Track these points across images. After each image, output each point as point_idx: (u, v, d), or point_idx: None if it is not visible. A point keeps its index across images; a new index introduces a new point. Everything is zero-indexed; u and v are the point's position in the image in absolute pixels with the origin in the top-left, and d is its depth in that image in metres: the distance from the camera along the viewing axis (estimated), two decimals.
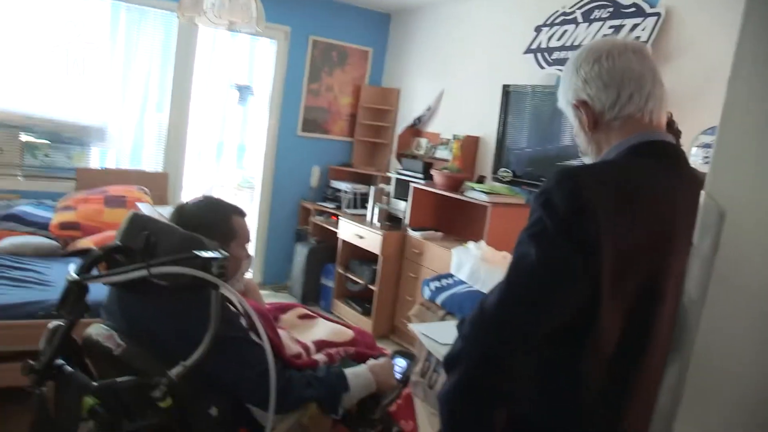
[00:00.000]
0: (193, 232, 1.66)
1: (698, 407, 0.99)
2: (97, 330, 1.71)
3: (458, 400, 1.17)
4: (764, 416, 0.92)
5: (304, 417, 1.71)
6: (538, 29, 4.34)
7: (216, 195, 2.06)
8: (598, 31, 3.90)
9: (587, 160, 1.37)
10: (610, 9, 3.85)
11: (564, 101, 1.37)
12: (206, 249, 1.48)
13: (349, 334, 2.16)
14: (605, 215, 1.12)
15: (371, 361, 1.93)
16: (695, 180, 1.22)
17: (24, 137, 4.71)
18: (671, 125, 2.27)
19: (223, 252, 1.47)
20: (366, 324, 4.92)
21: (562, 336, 1.15)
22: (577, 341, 1.16)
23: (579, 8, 4.06)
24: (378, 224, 4.99)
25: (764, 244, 0.91)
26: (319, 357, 1.94)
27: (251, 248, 5.66)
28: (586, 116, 1.31)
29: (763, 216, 0.91)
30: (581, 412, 1.18)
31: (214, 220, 1.88)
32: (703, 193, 1.00)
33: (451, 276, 4.09)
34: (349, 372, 1.82)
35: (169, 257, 1.45)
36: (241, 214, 1.98)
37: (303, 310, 2.32)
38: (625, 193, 1.17)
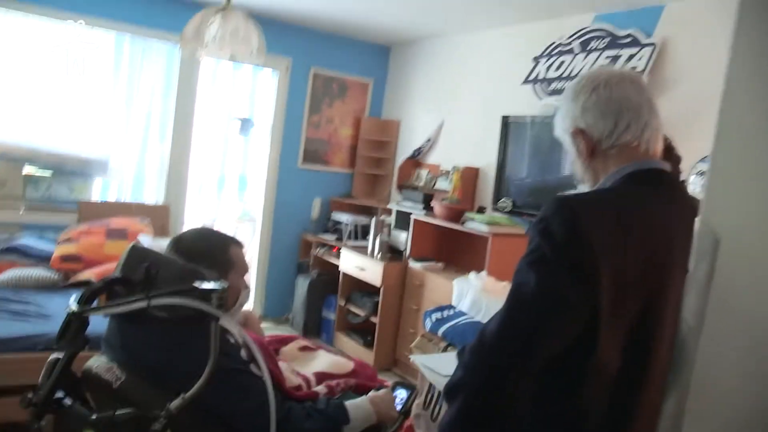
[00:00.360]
0: (192, 262, 1.67)
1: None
2: (96, 362, 1.71)
3: (459, 429, 1.16)
4: None
5: None
6: (536, 60, 4.39)
7: (214, 227, 2.07)
8: (595, 61, 3.95)
9: (583, 187, 1.38)
10: (607, 39, 3.90)
11: (561, 129, 1.38)
12: (206, 280, 1.48)
13: (350, 366, 2.15)
14: (602, 243, 1.13)
15: (372, 393, 1.92)
16: (691, 207, 1.23)
17: (27, 169, 4.74)
18: (671, 150, 2.27)
19: (222, 283, 1.47)
20: (368, 356, 4.89)
21: (562, 362, 1.15)
22: (577, 367, 1.16)
23: (576, 39, 4.12)
24: (379, 256, 4.99)
25: (758, 270, 0.91)
26: (320, 389, 1.93)
27: (252, 280, 5.61)
28: (584, 144, 1.32)
29: (756, 242, 0.92)
30: None
31: (213, 250, 1.89)
32: (697, 220, 1.01)
33: (452, 307, 4.07)
34: (350, 404, 1.81)
35: (169, 289, 1.45)
36: (239, 244, 1.99)
37: (303, 342, 2.32)
38: (621, 221, 1.18)
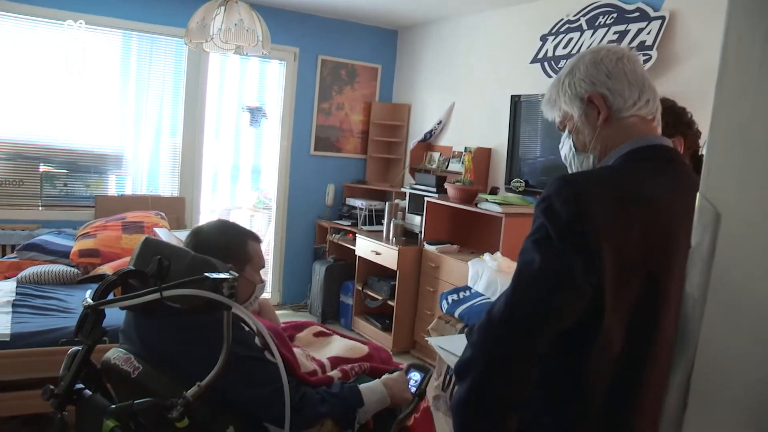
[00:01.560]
0: (210, 256, 1.69)
1: (704, 410, 0.99)
2: (114, 354, 1.75)
3: (470, 407, 1.18)
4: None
5: None
6: (543, 38, 4.36)
7: (231, 219, 2.10)
8: (603, 37, 3.92)
9: (582, 158, 1.37)
10: (614, 15, 3.87)
11: (570, 95, 1.35)
12: (217, 271, 1.51)
13: (364, 349, 2.17)
14: (605, 221, 1.13)
15: (386, 376, 1.94)
16: (694, 182, 1.22)
17: (43, 168, 4.81)
18: (691, 125, 2.24)
19: (233, 273, 1.49)
20: (386, 339, 4.93)
21: (566, 342, 1.16)
22: (582, 346, 1.17)
23: (583, 15, 4.08)
24: (394, 240, 5.01)
25: (760, 244, 0.91)
26: (334, 373, 1.95)
27: (269, 268, 5.67)
28: (601, 110, 1.31)
29: (758, 216, 0.92)
30: (588, 417, 1.19)
31: (231, 244, 1.92)
32: (698, 195, 1.01)
33: (468, 288, 4.08)
34: (364, 387, 1.84)
35: (181, 280, 1.47)
36: (257, 239, 2.02)
37: (318, 328, 2.34)
38: (623, 199, 1.18)
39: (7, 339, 2.99)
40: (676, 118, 2.11)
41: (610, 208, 1.15)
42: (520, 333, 1.14)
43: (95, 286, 1.60)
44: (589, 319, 1.14)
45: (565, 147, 1.41)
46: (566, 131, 1.39)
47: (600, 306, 1.13)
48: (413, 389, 1.99)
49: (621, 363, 1.17)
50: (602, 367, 1.17)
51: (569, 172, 1.41)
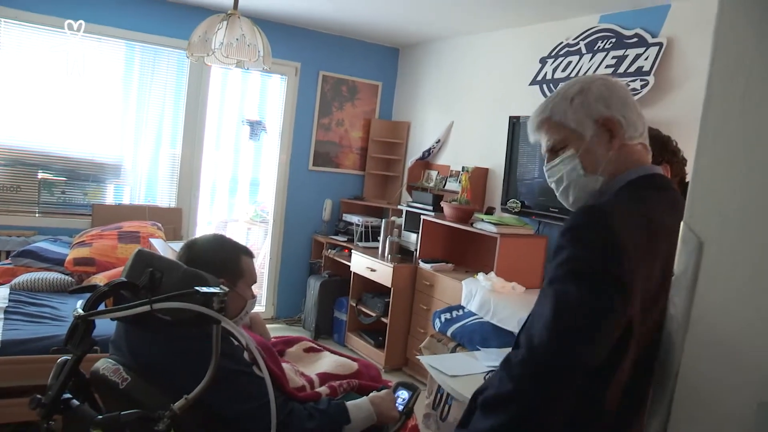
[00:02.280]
0: (203, 270, 1.70)
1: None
2: (104, 364, 1.76)
3: None
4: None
5: None
6: (543, 61, 4.40)
7: (228, 232, 2.11)
8: (601, 61, 3.96)
9: (585, 181, 1.36)
10: (613, 39, 3.91)
11: (581, 114, 1.34)
12: (208, 284, 1.52)
13: (354, 366, 2.18)
14: (635, 252, 1.14)
15: (373, 394, 1.95)
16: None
17: (41, 175, 4.83)
18: (677, 153, 2.28)
19: (223, 287, 1.51)
20: (379, 356, 4.92)
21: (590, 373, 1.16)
22: (600, 372, 1.16)
23: (583, 39, 4.12)
24: (389, 257, 5.02)
25: (741, 273, 0.93)
26: (322, 390, 1.96)
27: (264, 281, 5.66)
28: (615, 135, 1.32)
29: (739, 245, 0.93)
30: None
31: (224, 259, 1.93)
32: (682, 224, 1.03)
33: (462, 308, 4.09)
34: (350, 404, 1.84)
35: (171, 293, 1.48)
36: (250, 254, 2.03)
37: (309, 344, 2.35)
38: (649, 229, 1.19)
39: None
40: (662, 146, 2.16)
41: (639, 239, 1.16)
42: (566, 365, 1.12)
43: (87, 295, 1.62)
44: (616, 348, 1.15)
45: (565, 168, 1.37)
46: (568, 151, 1.36)
47: (624, 336, 1.14)
48: (401, 407, 1.99)
49: (630, 385, 1.19)
50: (616, 390, 1.18)
51: (567, 194, 1.40)
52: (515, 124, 4.49)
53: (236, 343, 1.73)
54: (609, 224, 1.14)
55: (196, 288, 1.47)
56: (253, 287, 2.01)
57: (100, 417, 1.43)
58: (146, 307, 1.46)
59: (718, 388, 0.96)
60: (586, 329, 1.11)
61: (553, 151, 1.40)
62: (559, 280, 1.16)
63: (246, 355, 1.75)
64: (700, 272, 0.99)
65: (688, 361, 1.01)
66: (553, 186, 1.43)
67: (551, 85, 4.32)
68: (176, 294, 1.47)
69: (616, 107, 1.32)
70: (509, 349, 2.94)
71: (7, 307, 3.47)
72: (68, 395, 1.56)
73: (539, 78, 4.42)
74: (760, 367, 0.90)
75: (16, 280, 3.92)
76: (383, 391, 1.97)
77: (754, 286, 0.91)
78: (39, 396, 1.52)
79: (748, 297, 0.93)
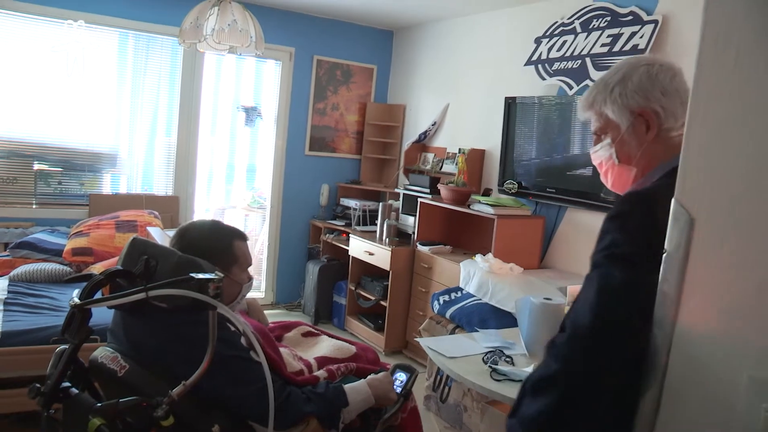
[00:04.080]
0: (196, 255, 1.71)
1: (677, 408, 1.01)
2: (102, 352, 1.76)
3: (554, 423, 1.15)
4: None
5: None
6: (537, 41, 4.38)
7: (225, 219, 2.10)
8: (597, 40, 3.94)
9: (619, 170, 1.37)
10: (608, 18, 3.88)
11: (618, 104, 1.34)
12: (203, 271, 1.52)
13: (352, 350, 2.19)
14: None
15: (371, 376, 1.95)
16: None
17: (37, 166, 4.82)
18: None
19: (218, 273, 1.51)
20: (379, 339, 4.94)
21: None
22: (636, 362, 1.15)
23: (578, 18, 4.10)
24: (387, 240, 5.02)
25: (732, 249, 0.93)
26: (320, 373, 1.97)
27: (263, 267, 5.66)
28: (651, 127, 1.31)
29: (729, 221, 0.93)
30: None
31: (217, 244, 1.92)
32: (673, 200, 1.03)
33: (460, 289, 4.10)
34: (348, 387, 1.85)
35: (167, 280, 1.49)
36: (243, 238, 2.02)
37: (307, 328, 2.36)
38: None
39: None
40: None
41: None
42: (611, 346, 1.12)
43: (84, 285, 1.62)
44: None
45: (605, 155, 1.39)
46: (607, 139, 1.38)
47: None
48: (399, 389, 2.00)
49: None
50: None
51: (606, 179, 1.43)
52: (511, 105, 4.48)
53: (233, 328, 1.74)
54: (652, 211, 1.14)
55: (191, 274, 1.47)
56: (249, 270, 2.01)
57: (99, 405, 1.44)
58: (142, 295, 1.47)
59: (710, 362, 0.97)
60: (629, 314, 1.11)
61: (597, 136, 1.42)
62: (602, 264, 1.17)
63: (243, 340, 1.75)
64: (692, 249, 0.99)
65: (679, 338, 1.01)
66: (597, 168, 1.45)
67: (546, 65, 4.30)
68: (172, 281, 1.47)
69: (656, 98, 1.30)
70: (508, 330, 2.96)
71: (6, 298, 3.48)
72: (67, 384, 1.57)
73: (534, 58, 4.40)
74: (752, 341, 0.91)
75: (14, 272, 3.93)
76: (381, 374, 1.98)
77: (746, 261, 0.92)
78: (38, 385, 1.52)
79: (739, 272, 0.93)
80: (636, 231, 1.14)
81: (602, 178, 1.46)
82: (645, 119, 1.32)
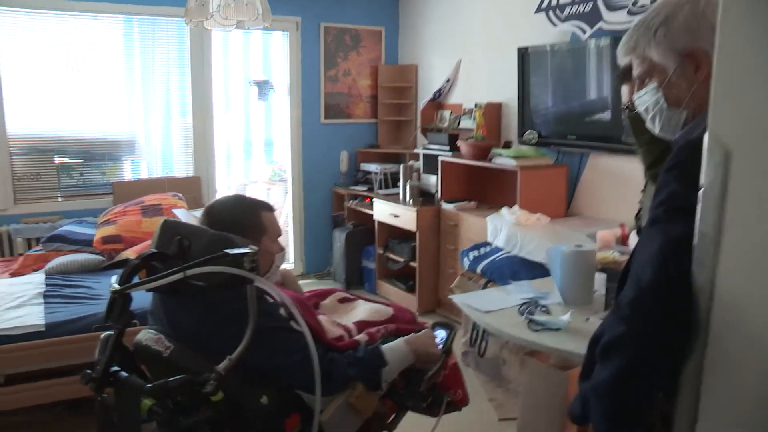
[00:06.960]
0: (224, 231, 1.72)
1: (721, 353, 1.00)
2: (145, 335, 1.79)
3: (628, 386, 1.14)
4: None
5: (351, 396, 1.77)
6: None
7: (244, 192, 2.11)
8: None
9: (669, 114, 1.32)
10: None
11: (664, 46, 1.28)
12: (236, 246, 1.53)
13: (389, 311, 2.20)
14: None
15: (410, 335, 1.97)
16: None
17: (58, 159, 4.87)
18: None
19: (252, 247, 1.52)
20: (411, 300, 4.97)
21: None
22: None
23: None
24: (411, 201, 5.02)
25: None
26: (361, 337, 1.98)
27: (289, 239, 5.68)
28: (702, 67, 1.24)
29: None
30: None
31: (244, 218, 1.92)
32: (707, 134, 1.00)
33: (488, 244, 4.10)
34: (386, 347, 1.87)
35: (202, 258, 1.50)
36: (270, 209, 2.02)
37: (342, 294, 2.37)
38: None
39: (43, 329, 3.08)
40: None
41: None
42: (676, 304, 1.09)
43: (120, 271, 1.64)
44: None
45: (650, 100, 1.34)
46: (652, 83, 1.33)
47: None
48: (440, 346, 2.01)
49: None
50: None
51: (653, 123, 1.37)
52: (524, 55, 4.41)
53: (271, 300, 1.75)
54: None
55: (226, 251, 1.48)
56: (279, 240, 2.02)
57: (149, 386, 1.47)
58: (180, 275, 1.48)
59: (754, 304, 0.95)
60: (691, 270, 1.07)
61: (641, 81, 1.37)
62: (661, 218, 1.14)
63: (282, 311, 1.77)
64: (729, 184, 0.96)
65: (722, 280, 0.99)
66: (642, 113, 1.40)
67: (557, 11, 4.21)
68: (207, 258, 1.48)
69: (705, 37, 1.21)
70: (540, 280, 2.94)
71: (45, 291, 3.54)
72: (116, 368, 1.60)
73: (544, 5, 4.31)
74: None
75: (49, 265, 3.99)
76: (422, 332, 2.00)
77: None
78: (89, 371, 1.56)
79: None
80: (695, 181, 1.09)
81: (648, 124, 1.40)
82: (694, 59, 1.26)
